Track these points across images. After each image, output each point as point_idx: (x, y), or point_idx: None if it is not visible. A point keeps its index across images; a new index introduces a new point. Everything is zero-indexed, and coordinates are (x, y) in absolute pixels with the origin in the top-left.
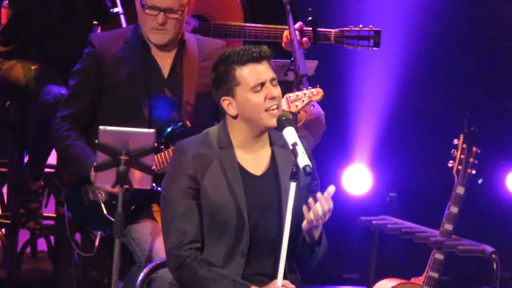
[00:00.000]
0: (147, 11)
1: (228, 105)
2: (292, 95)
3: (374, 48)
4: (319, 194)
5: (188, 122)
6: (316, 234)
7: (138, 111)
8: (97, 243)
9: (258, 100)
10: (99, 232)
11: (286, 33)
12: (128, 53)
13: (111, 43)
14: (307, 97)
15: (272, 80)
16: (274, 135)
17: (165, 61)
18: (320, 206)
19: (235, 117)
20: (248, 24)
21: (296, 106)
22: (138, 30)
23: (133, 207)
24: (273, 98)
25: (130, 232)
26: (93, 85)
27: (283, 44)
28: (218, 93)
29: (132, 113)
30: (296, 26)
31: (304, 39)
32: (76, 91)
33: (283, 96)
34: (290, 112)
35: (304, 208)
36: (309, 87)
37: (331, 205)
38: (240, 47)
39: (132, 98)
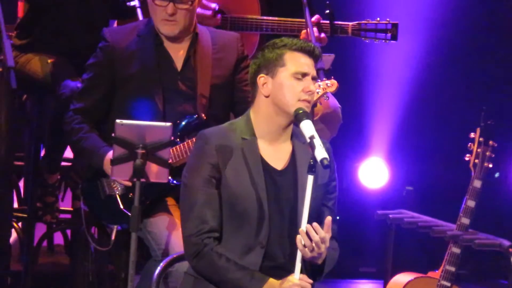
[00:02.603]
0: (157, 1)
1: (264, 84)
2: None
3: (392, 41)
4: (308, 226)
5: (203, 115)
6: (318, 261)
7: (152, 104)
8: (113, 237)
9: (296, 87)
10: (115, 226)
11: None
12: (141, 46)
13: (124, 37)
14: (322, 88)
15: (313, 77)
16: (297, 131)
17: (178, 54)
18: (312, 236)
19: (266, 96)
20: (265, 17)
21: None
22: (151, 23)
23: (148, 201)
24: (309, 92)
25: (146, 226)
26: (106, 78)
27: (301, 38)
28: (257, 70)
29: (146, 106)
30: (314, 19)
31: (322, 35)
32: (90, 84)
33: None
34: None
35: (298, 237)
36: (324, 79)
37: (322, 234)
38: (296, 38)
39: (146, 91)
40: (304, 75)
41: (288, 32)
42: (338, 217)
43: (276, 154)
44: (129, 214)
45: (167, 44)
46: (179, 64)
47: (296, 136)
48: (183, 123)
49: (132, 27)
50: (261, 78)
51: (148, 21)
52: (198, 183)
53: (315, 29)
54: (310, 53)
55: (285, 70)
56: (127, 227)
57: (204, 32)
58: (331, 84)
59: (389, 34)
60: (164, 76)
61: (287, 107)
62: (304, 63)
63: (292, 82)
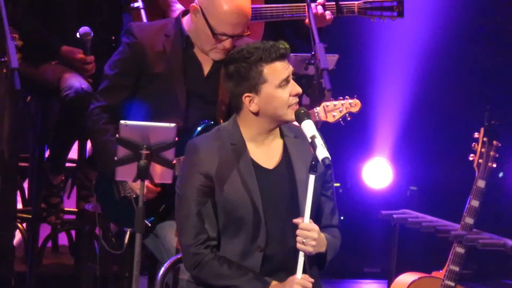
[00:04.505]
0: (217, 37)
1: (250, 101)
2: (329, 104)
3: (398, 18)
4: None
5: (222, 121)
6: (321, 249)
7: (175, 105)
8: (126, 240)
9: (284, 96)
10: (129, 229)
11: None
12: (168, 47)
13: (152, 35)
14: (345, 107)
15: (292, 73)
16: (284, 127)
17: (206, 59)
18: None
19: (255, 113)
20: (269, 5)
21: (333, 116)
22: (179, 25)
23: (163, 206)
24: (296, 94)
25: (156, 230)
26: (133, 76)
27: (307, 21)
28: (239, 89)
29: (169, 106)
30: (320, 0)
31: (327, 12)
32: (116, 82)
33: (320, 105)
34: (327, 121)
35: (297, 238)
36: (347, 97)
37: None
38: (263, 43)
39: (171, 92)
40: (287, 80)
41: (294, 17)
42: (342, 217)
43: (267, 154)
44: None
45: (197, 50)
46: (206, 69)
47: (286, 131)
48: (200, 128)
49: (160, 25)
50: (247, 98)
51: (176, 22)
52: (191, 194)
53: (320, 7)
54: (285, 56)
55: (268, 85)
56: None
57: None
58: (354, 104)
59: (395, 12)
60: (190, 80)
61: (280, 117)
62: (282, 68)
63: (279, 92)
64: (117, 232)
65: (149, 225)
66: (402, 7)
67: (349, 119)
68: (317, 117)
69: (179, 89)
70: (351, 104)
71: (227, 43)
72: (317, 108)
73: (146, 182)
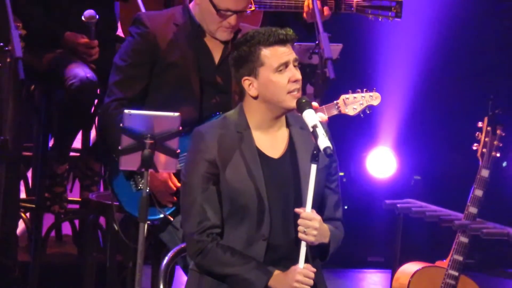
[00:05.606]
0: (221, 13)
1: (249, 85)
2: (349, 97)
3: (396, 19)
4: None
5: None
6: (324, 240)
7: (189, 95)
8: (145, 233)
9: (281, 81)
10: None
11: (307, 2)
12: (179, 36)
13: (162, 24)
14: (365, 100)
15: (295, 60)
16: (291, 117)
17: (217, 47)
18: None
19: (255, 98)
20: None
21: (354, 109)
22: (187, 13)
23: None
24: (296, 81)
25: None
26: (148, 66)
27: (304, 15)
28: (240, 73)
29: (184, 96)
30: None
31: (325, 7)
32: (131, 73)
33: (339, 98)
34: (347, 115)
35: (299, 228)
36: (365, 90)
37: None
38: (265, 28)
39: (185, 82)
40: (286, 65)
41: (292, 9)
42: (346, 207)
43: (272, 143)
44: (162, 211)
45: (208, 38)
46: (217, 58)
47: (292, 122)
48: (214, 119)
49: (168, 14)
50: (246, 81)
51: (183, 10)
52: (196, 181)
53: (318, 2)
54: (284, 41)
55: (265, 68)
56: (157, 224)
57: (244, 28)
58: (375, 97)
59: (393, 12)
60: (202, 68)
61: (279, 103)
62: (281, 53)
63: (277, 77)
64: (120, 222)
65: (172, 219)
66: (401, 8)
67: (368, 112)
68: (337, 110)
69: (193, 78)
70: (371, 97)
71: (232, 20)
72: (337, 100)
73: (164, 177)
